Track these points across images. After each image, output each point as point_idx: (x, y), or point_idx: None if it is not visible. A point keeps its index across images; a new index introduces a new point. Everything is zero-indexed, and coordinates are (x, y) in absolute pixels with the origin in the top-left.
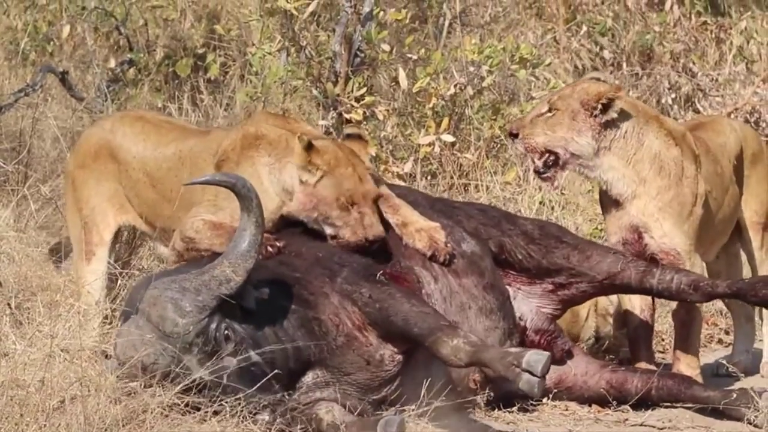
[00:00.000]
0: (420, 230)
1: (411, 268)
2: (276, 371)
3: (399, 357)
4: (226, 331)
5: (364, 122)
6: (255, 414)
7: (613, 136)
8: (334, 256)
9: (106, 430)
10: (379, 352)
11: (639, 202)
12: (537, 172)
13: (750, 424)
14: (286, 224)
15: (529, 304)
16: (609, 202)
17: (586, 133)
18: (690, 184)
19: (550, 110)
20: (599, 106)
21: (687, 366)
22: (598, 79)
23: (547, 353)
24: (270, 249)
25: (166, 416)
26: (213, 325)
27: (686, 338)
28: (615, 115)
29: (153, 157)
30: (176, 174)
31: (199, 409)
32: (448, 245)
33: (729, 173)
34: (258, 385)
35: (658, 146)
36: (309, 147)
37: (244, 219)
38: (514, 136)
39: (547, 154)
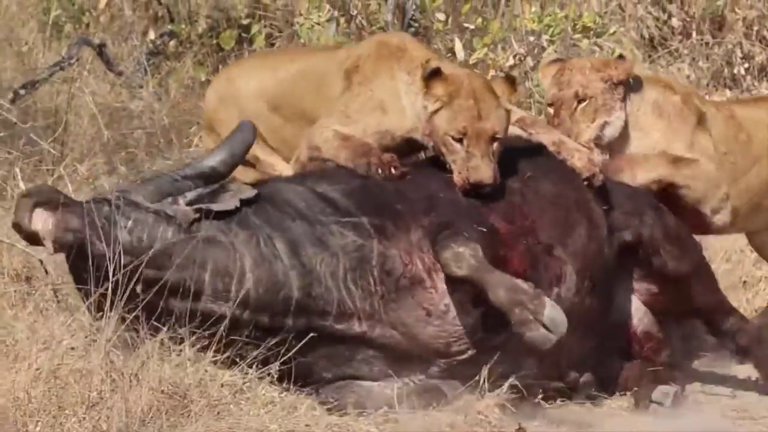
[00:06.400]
0: (578, 149)
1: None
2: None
3: (470, 309)
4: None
5: None
6: None
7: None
8: (452, 205)
9: (148, 421)
10: (444, 302)
11: None
12: None
13: None
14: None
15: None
16: None
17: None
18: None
19: None
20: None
21: None
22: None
23: (562, 313)
24: (394, 171)
25: (213, 407)
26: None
27: None
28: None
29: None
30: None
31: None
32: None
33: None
34: None
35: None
36: (432, 75)
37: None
38: None
39: None
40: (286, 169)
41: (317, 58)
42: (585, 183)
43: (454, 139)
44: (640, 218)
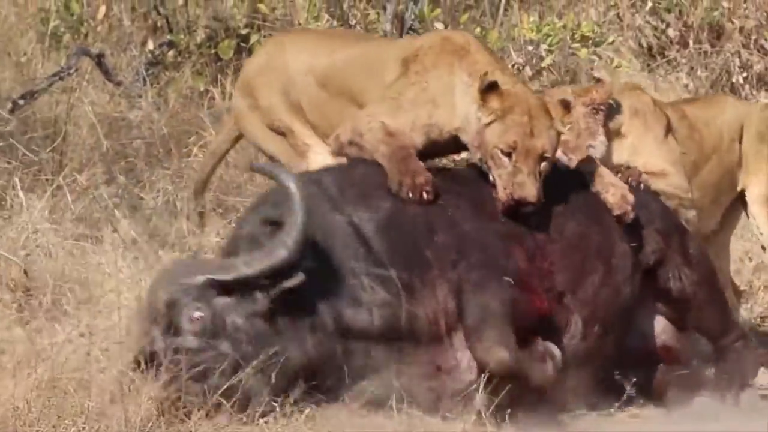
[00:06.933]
0: (614, 185)
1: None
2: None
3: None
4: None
5: None
6: None
7: None
8: (481, 248)
9: (147, 431)
10: (455, 356)
11: None
12: None
13: None
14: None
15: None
16: None
17: None
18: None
19: None
20: None
21: None
22: None
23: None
24: (425, 195)
25: (211, 418)
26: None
27: None
28: None
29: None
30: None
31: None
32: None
33: (714, 143)
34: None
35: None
36: (489, 88)
37: (283, 232)
38: None
39: None
40: (317, 145)
41: (376, 44)
42: (616, 219)
43: (503, 153)
44: (666, 240)
